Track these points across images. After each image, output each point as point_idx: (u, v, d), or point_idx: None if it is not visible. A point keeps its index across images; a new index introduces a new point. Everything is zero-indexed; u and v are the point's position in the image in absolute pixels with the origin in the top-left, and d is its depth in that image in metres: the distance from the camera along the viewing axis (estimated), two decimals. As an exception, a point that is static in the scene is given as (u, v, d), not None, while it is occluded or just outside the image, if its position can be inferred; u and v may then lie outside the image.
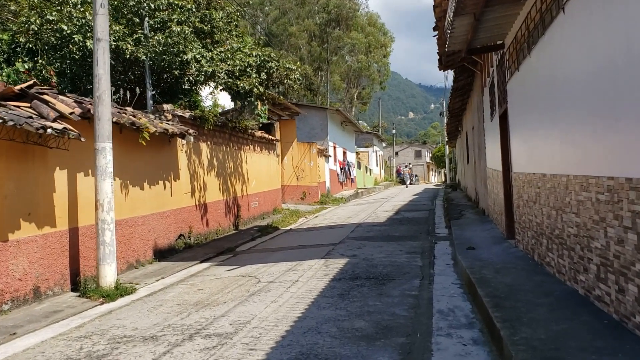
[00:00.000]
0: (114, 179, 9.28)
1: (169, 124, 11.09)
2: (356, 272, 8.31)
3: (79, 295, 7.78)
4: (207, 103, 25.19)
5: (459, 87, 16.28)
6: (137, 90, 11.60)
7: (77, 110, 7.97)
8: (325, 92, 55.15)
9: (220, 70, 12.01)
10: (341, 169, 30.56)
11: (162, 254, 10.82)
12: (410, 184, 55.01)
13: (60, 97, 8.23)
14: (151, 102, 12.18)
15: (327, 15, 56.22)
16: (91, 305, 7.31)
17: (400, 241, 11.45)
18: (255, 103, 19.32)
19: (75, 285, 8.08)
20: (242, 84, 12.33)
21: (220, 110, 19.26)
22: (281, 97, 18.57)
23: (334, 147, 29.16)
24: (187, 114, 12.06)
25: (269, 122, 19.21)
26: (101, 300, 7.52)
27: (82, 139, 7.62)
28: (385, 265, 8.75)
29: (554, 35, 5.85)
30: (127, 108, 10.27)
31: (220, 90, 13.18)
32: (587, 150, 4.98)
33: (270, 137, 18.13)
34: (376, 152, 51.05)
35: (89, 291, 7.79)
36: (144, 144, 9.62)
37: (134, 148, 9.90)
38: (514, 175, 8.75)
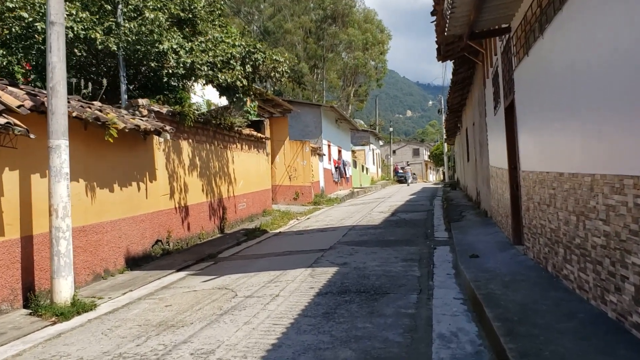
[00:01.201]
0: (78, 181, 8.39)
1: (142, 120, 10.13)
2: (345, 284, 7.37)
3: (31, 313, 6.83)
4: (199, 101, 24.29)
5: (458, 80, 15.34)
6: (105, 82, 10.61)
7: (28, 103, 7.01)
8: (322, 90, 54.23)
9: (201, 62, 11.04)
10: (336, 168, 29.60)
11: (135, 262, 9.88)
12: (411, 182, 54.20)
13: (10, 88, 7.27)
14: (125, 96, 11.22)
15: (322, 12, 55.28)
16: (41, 325, 6.37)
17: (396, 246, 10.51)
18: (244, 99, 18.41)
19: (28, 302, 7.13)
20: (223, 77, 11.36)
21: (212, 107, 18.38)
22: (269, 92, 17.60)
23: (329, 146, 28.21)
24: (164, 110, 11.11)
25: (258, 119, 18.25)
26: (53, 319, 6.57)
27: (31, 136, 6.67)
28: (379, 276, 7.81)
29: (576, 10, 4.92)
30: (94, 102, 9.32)
31: (204, 84, 12.19)
32: (620, 145, 4.05)
33: (259, 135, 17.17)
34: (373, 150, 50.11)
35: (42, 308, 6.84)
36: (111, 141, 8.67)
37: (102, 146, 8.95)
38: (523, 175, 7.82)
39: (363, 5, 61.04)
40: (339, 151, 31.13)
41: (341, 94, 56.96)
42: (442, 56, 11.91)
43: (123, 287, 8.31)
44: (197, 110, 13.94)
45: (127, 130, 9.09)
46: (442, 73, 56.09)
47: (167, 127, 10.48)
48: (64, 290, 7.01)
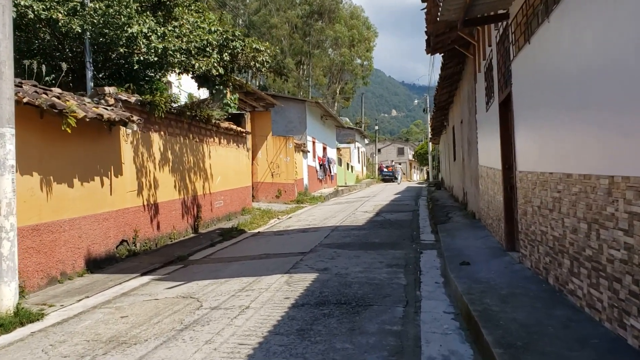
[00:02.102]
0: (32, 175, 7.58)
1: (107, 109, 9.31)
2: (324, 294, 6.65)
3: (-33, 324, 6.02)
4: (180, 93, 23.38)
5: (447, 75, 14.68)
6: (65, 66, 9.72)
7: (-33, 86, 6.18)
8: (307, 87, 53.44)
9: (173, 48, 10.23)
10: (320, 165, 28.86)
11: (97, 264, 9.06)
12: (392, 181, 53.67)
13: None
14: (91, 84, 10.39)
15: (309, 7, 54.50)
16: (-27, 340, 5.56)
17: (381, 250, 9.82)
18: (224, 91, 17.60)
19: (-34, 310, 6.30)
20: (198, 64, 10.56)
21: (194, 100, 17.51)
22: (251, 85, 16.80)
23: (313, 142, 27.46)
24: (132, 99, 10.27)
25: (239, 112, 17.44)
26: (-9, 332, 5.77)
27: (-32, 122, 5.84)
28: (362, 284, 7.10)
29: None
30: (53, 88, 8.48)
31: (178, 73, 11.36)
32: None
33: (239, 129, 16.36)
34: (358, 148, 49.47)
35: (-20, 319, 6.03)
36: (69, 131, 7.84)
37: (61, 137, 8.13)
38: (519, 175, 7.15)
39: (350, 2, 60.29)
40: (324, 148, 30.40)
41: (327, 92, 56.26)
42: (431, 48, 11.22)
43: (79, 293, 7.51)
44: (172, 101, 13.11)
45: (87, 120, 8.26)
46: (429, 69, 55.57)
47: (135, 118, 9.67)
48: (5, 298, 6.20)
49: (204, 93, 20.84)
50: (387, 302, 6.18)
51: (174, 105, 12.27)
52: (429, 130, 36.02)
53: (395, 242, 10.73)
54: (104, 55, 11.40)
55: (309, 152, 26.03)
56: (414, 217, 15.28)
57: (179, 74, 11.65)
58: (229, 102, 17.35)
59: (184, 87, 21.57)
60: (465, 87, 13.93)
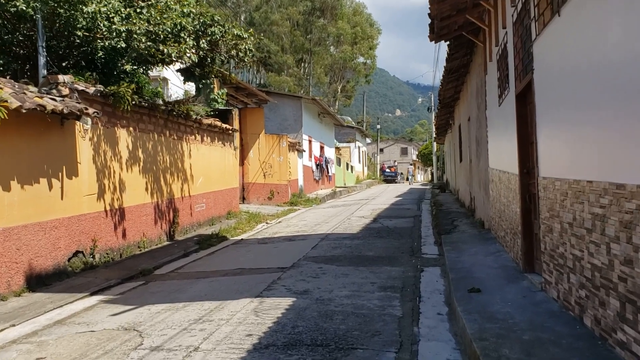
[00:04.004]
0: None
1: (56, 100, 7.98)
2: (298, 329, 5.30)
3: None
4: (174, 89, 22.05)
5: (453, 67, 13.30)
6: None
7: None
8: (308, 85, 52.05)
9: (138, 31, 8.88)
10: (317, 165, 27.48)
11: (41, 281, 7.73)
12: (395, 182, 52.39)
13: None
14: (44, 71, 9.05)
15: (311, 4, 53.08)
16: None
17: (374, 266, 8.46)
18: (211, 86, 16.29)
19: None
20: (167, 50, 9.20)
21: (189, 97, 16.20)
22: (231, 74, 15.44)
23: (310, 141, 26.09)
24: (91, 89, 8.93)
25: (226, 108, 16.09)
26: None
27: None
28: (346, 315, 5.75)
29: None
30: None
31: (143, 62, 10.02)
32: None
33: (224, 126, 14.98)
34: (359, 148, 48.04)
35: None
36: (-2, 124, 6.51)
37: (-8, 131, 6.81)
38: (543, 182, 5.78)
39: (353, -2, 58.68)
40: (321, 147, 29.02)
41: (328, 90, 54.90)
42: (435, 34, 9.87)
43: (4, 320, 6.17)
44: (155, 95, 11.77)
45: (24, 111, 6.92)
46: (434, 64, 53.74)
47: (90, 110, 8.33)
48: None
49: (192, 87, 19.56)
50: (375, 344, 4.83)
51: (147, 98, 10.90)
52: (433, 129, 34.59)
53: (392, 255, 9.37)
54: (66, 41, 10.07)
55: (304, 151, 24.67)
56: (415, 224, 13.90)
57: (141, 60, 10.23)
58: (216, 97, 16.07)
59: (182, 85, 20.30)
60: (474, 80, 12.54)
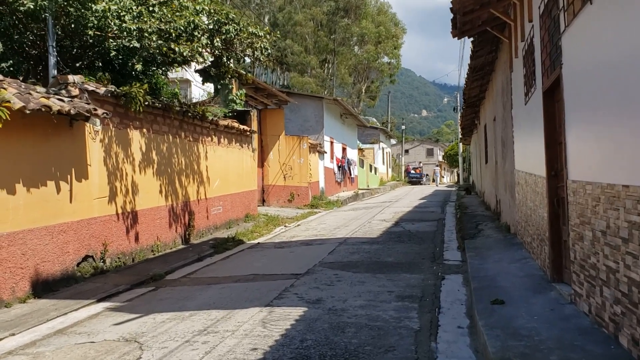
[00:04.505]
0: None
1: (64, 100, 7.77)
2: (307, 343, 4.94)
3: None
4: (197, 93, 21.95)
5: (477, 65, 12.80)
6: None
7: None
8: (332, 86, 51.70)
9: (150, 30, 8.64)
10: (339, 167, 27.09)
11: (48, 286, 7.53)
12: (420, 183, 51.72)
13: None
14: (54, 71, 8.88)
15: (334, 3, 52.73)
16: None
17: (393, 273, 8.07)
18: (230, 86, 16.06)
19: None
20: (179, 49, 8.94)
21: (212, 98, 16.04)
22: (248, 74, 15.17)
23: (331, 143, 25.72)
24: (102, 89, 8.72)
25: (244, 109, 15.83)
26: None
27: None
28: (359, 328, 5.38)
29: None
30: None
31: (151, 59, 9.74)
32: None
33: (242, 127, 14.71)
34: (383, 149, 47.46)
35: None
36: None
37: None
38: (572, 186, 5.32)
39: (377, -3, 58.07)
40: (344, 149, 28.62)
41: (352, 90, 54.47)
42: (458, 30, 9.41)
43: (5, 329, 5.95)
44: (174, 96, 11.52)
45: (27, 112, 6.70)
46: (459, 63, 52.97)
47: (100, 111, 8.11)
48: None
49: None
50: (388, 361, 4.45)
51: (162, 99, 10.68)
52: (459, 129, 33.90)
53: (412, 262, 8.95)
54: (79, 41, 9.91)
55: (325, 152, 24.30)
56: (438, 227, 13.43)
57: (156, 63, 10.00)
58: (234, 97, 15.83)
59: (204, 87, 20.14)
60: (499, 78, 12.03)
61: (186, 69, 13.34)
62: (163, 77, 12.13)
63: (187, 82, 22.93)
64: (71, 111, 7.53)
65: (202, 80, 16.63)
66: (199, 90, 21.96)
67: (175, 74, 19.01)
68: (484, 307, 5.49)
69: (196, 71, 16.20)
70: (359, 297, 6.63)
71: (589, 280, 4.83)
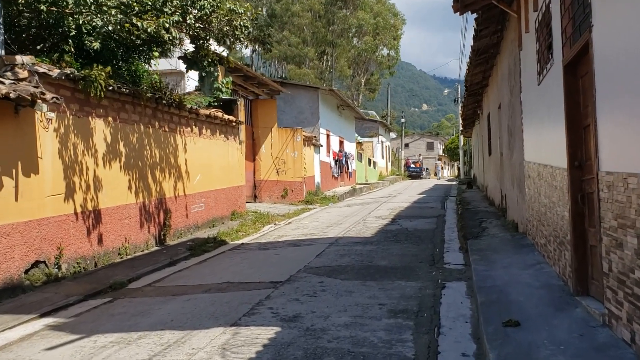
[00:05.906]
0: None
1: (5, 83, 6.70)
2: (270, 380, 3.88)
3: None
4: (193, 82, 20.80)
5: (481, 47, 11.69)
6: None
7: None
8: (330, 78, 50.50)
9: (109, 2, 7.55)
10: (336, 161, 25.98)
11: (-12, 298, 6.48)
12: (420, 177, 50.69)
13: None
14: (2, 52, 7.80)
15: (332, -7, 51.49)
16: None
17: (386, 280, 7.01)
18: (215, 74, 15.01)
19: None
20: (142, 24, 7.84)
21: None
22: (229, 57, 14.05)
23: (328, 136, 24.60)
24: (55, 72, 7.63)
25: (230, 98, 14.74)
26: None
27: None
28: (341, 356, 4.33)
29: None
30: None
31: (109, 37, 8.59)
32: None
33: (227, 117, 13.60)
34: (382, 142, 46.31)
35: None
36: None
37: None
38: (608, 179, 4.23)
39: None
40: (341, 142, 27.51)
41: (351, 83, 53.32)
42: (460, 4, 8.33)
43: None
44: (154, 86, 10.38)
45: (-50, 95, 5.64)
46: (460, 52, 51.08)
47: (48, 96, 7.03)
48: None
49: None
50: (372, 411, 3.38)
51: (131, 86, 9.59)
52: (460, 121, 32.75)
53: (408, 266, 7.89)
54: (37, 20, 8.83)
55: (321, 146, 23.21)
56: (438, 225, 12.35)
57: (120, 40, 8.86)
58: (220, 85, 14.74)
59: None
60: (505, 61, 10.93)
61: (171, 55, 12.25)
62: (145, 64, 11.05)
63: (181, 74, 21.84)
64: (11, 95, 6.45)
65: (186, 68, 15.55)
66: (195, 83, 20.86)
67: (169, 65, 17.96)
68: (494, 330, 4.42)
69: (179, 58, 15.14)
70: (344, 313, 5.57)
71: (632, 300, 3.76)
